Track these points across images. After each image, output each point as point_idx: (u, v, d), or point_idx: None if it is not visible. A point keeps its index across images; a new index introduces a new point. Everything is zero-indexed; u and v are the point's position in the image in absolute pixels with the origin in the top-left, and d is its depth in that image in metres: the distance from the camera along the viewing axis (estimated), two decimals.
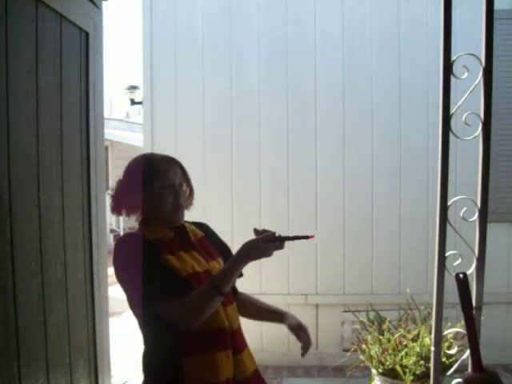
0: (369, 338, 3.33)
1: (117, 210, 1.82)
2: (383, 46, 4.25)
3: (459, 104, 2.01)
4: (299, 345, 1.87)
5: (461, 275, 1.37)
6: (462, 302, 1.35)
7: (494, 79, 2.08)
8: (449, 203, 2.05)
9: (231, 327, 1.69)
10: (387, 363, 3.11)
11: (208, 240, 1.87)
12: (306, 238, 1.67)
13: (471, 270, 2.04)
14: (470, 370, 2.04)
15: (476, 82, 1.99)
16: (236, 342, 1.70)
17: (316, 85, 4.26)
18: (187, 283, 1.62)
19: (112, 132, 11.00)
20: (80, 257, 2.33)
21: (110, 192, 1.83)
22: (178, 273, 1.63)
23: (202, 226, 1.94)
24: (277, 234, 1.64)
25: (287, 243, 1.65)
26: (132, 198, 1.76)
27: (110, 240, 10.65)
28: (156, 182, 1.75)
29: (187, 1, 4.31)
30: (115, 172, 12.11)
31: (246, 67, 4.28)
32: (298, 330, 1.86)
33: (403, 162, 4.26)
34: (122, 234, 11.21)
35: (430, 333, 2.47)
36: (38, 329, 1.95)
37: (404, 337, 3.20)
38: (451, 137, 2.04)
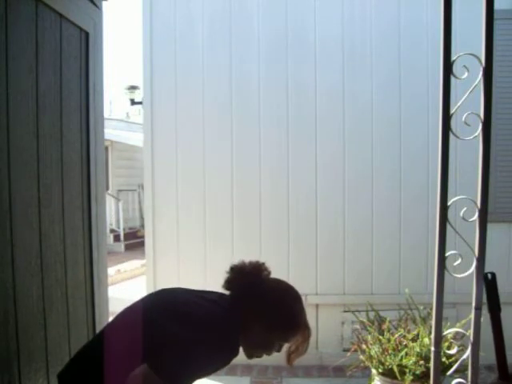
0: (369, 337, 3.33)
1: (239, 292, 1.74)
2: (383, 45, 4.25)
3: (459, 104, 2.01)
4: None
5: (489, 275, 1.35)
6: (488, 303, 1.33)
7: (494, 79, 2.08)
8: (449, 203, 2.05)
9: None
10: (387, 363, 3.11)
11: None
12: None
13: (471, 270, 2.04)
14: (469, 371, 2.04)
15: (476, 82, 1.99)
16: None
17: (316, 85, 4.26)
18: None
19: (112, 132, 11.01)
20: (80, 257, 2.33)
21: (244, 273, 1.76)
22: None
23: None
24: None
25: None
26: (259, 314, 1.69)
27: (110, 240, 10.66)
28: (284, 337, 1.72)
29: (187, 1, 4.31)
30: (115, 172, 12.12)
31: (246, 67, 4.28)
32: None
33: (403, 162, 4.26)
34: (122, 233, 11.18)
35: (430, 333, 2.47)
36: (38, 329, 1.95)
37: (404, 337, 3.19)
38: (451, 137, 2.04)
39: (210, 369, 1.67)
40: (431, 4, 4.13)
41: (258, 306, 1.69)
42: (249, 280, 1.73)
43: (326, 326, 4.27)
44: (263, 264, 1.78)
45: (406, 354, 3.07)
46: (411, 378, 2.98)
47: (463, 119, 2.01)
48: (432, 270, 2.11)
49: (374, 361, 3.19)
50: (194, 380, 1.62)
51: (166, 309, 1.67)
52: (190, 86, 4.28)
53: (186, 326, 1.58)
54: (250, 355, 1.76)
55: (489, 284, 1.34)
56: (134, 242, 11.29)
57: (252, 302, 1.70)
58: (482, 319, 2.04)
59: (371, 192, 4.26)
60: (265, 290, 1.73)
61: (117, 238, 11.14)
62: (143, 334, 1.56)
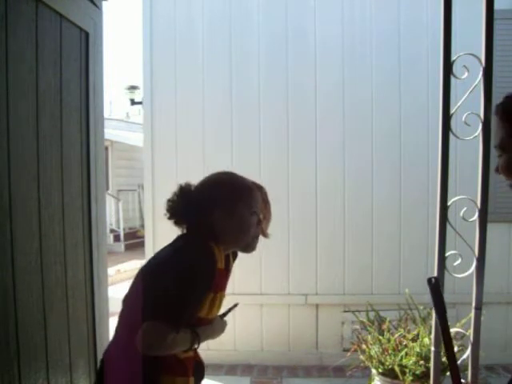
0: (369, 338, 3.33)
1: (181, 216, 1.75)
2: (383, 45, 4.25)
3: (459, 104, 2.01)
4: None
5: (433, 279, 1.37)
6: (435, 306, 1.35)
7: (494, 79, 2.08)
8: (449, 203, 2.05)
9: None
10: (387, 363, 3.11)
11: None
12: (235, 306, 1.87)
13: (471, 270, 2.04)
14: (469, 371, 2.04)
15: (476, 82, 1.99)
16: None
17: (316, 85, 4.25)
18: (191, 322, 1.62)
19: (112, 132, 11.01)
20: (80, 257, 2.33)
21: (173, 198, 1.76)
22: (197, 312, 1.64)
23: (234, 256, 1.89)
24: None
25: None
26: (209, 210, 1.70)
27: (110, 240, 10.66)
28: (247, 204, 1.73)
29: (187, 1, 4.31)
30: (115, 172, 12.12)
31: (246, 67, 4.28)
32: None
33: (403, 162, 4.26)
34: (122, 233, 11.19)
35: (430, 333, 2.47)
36: (38, 329, 1.95)
37: (404, 337, 3.19)
38: (451, 137, 2.04)
39: (200, 284, 1.60)
40: (431, 4, 4.13)
41: (206, 207, 1.71)
42: (182, 203, 1.75)
43: (326, 326, 4.27)
44: (186, 183, 1.80)
45: (406, 353, 3.07)
46: (411, 378, 2.98)
47: (463, 119, 2.01)
48: (432, 270, 2.11)
49: (374, 361, 3.20)
50: (193, 303, 1.60)
51: (141, 270, 1.74)
52: (190, 87, 4.28)
53: (157, 267, 1.66)
54: (245, 246, 1.76)
55: (433, 288, 1.36)
56: (134, 242, 11.29)
57: (197, 205, 1.72)
58: (482, 319, 2.05)
59: (371, 192, 4.26)
60: (200, 191, 1.76)
61: (117, 238, 11.13)
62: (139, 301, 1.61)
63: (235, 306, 1.86)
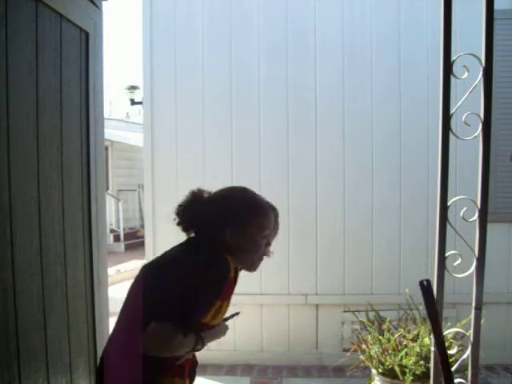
0: (369, 338, 3.33)
1: (192, 223, 1.74)
2: (383, 45, 4.25)
3: (459, 104, 2.01)
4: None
5: (424, 282, 1.36)
6: (427, 309, 1.34)
7: (494, 79, 2.08)
8: (449, 203, 2.05)
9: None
10: (387, 363, 3.11)
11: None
12: (237, 314, 1.88)
13: (471, 270, 2.04)
14: (469, 371, 2.04)
15: (476, 82, 1.99)
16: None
17: (316, 85, 4.26)
18: (195, 327, 1.63)
19: (112, 132, 11.00)
20: (80, 257, 2.33)
21: (185, 203, 1.74)
22: (203, 318, 1.64)
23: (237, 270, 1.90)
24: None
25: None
26: (221, 225, 1.68)
27: (110, 240, 10.66)
28: (260, 226, 1.72)
29: (187, 1, 4.31)
30: (115, 172, 12.11)
31: (246, 67, 4.28)
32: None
33: (403, 162, 4.26)
34: (122, 233, 11.18)
35: (430, 333, 2.47)
36: (38, 329, 1.95)
37: (404, 337, 3.20)
38: (451, 137, 2.04)
39: (211, 291, 1.61)
40: (431, 4, 4.13)
41: (218, 220, 1.69)
42: (194, 210, 1.73)
43: (326, 325, 4.27)
44: (198, 189, 1.77)
45: (406, 354, 3.07)
46: (411, 378, 2.98)
47: (463, 119, 2.01)
48: (432, 270, 2.11)
49: (374, 361, 3.20)
50: (203, 309, 1.61)
51: (149, 269, 1.73)
52: (190, 86, 4.28)
53: (169, 268, 1.64)
54: (249, 266, 1.75)
55: (425, 291, 1.35)
56: (134, 242, 11.28)
57: (209, 222, 1.70)
58: (482, 320, 2.05)
59: (371, 192, 4.26)
60: (213, 205, 1.72)
61: (117, 238, 11.13)
62: (143, 301, 1.60)
63: (237, 314, 1.87)
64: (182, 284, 1.57)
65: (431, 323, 1.36)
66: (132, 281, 1.75)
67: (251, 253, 1.72)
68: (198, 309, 1.59)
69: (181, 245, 1.76)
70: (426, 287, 1.35)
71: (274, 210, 1.77)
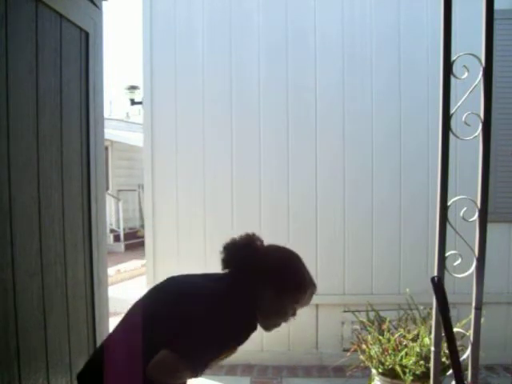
0: (369, 338, 3.33)
1: (236, 264, 1.74)
2: (383, 45, 4.25)
3: (459, 104, 2.01)
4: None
5: (435, 278, 1.37)
6: (438, 305, 1.34)
7: (494, 79, 2.08)
8: (449, 203, 2.05)
9: None
10: (387, 363, 3.11)
11: None
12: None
13: (471, 270, 2.04)
14: (469, 371, 2.04)
15: (476, 82, 1.99)
16: None
17: (316, 85, 4.26)
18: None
19: (112, 132, 11.01)
20: (80, 257, 2.33)
21: (239, 241, 1.76)
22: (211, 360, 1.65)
23: None
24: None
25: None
26: (262, 282, 1.69)
27: (110, 240, 10.66)
28: (295, 299, 1.73)
29: (187, 1, 4.31)
30: (115, 172, 12.12)
31: (246, 67, 4.28)
32: None
33: (403, 162, 4.26)
34: (122, 233, 11.17)
35: (430, 333, 2.47)
36: (38, 329, 1.95)
37: (404, 337, 3.19)
38: (451, 137, 2.04)
39: (230, 343, 1.63)
40: (431, 4, 4.13)
41: (262, 275, 1.69)
42: (244, 252, 1.73)
43: (326, 325, 4.27)
44: (253, 234, 1.78)
45: (406, 354, 3.07)
46: (411, 378, 2.98)
47: (463, 119, 2.01)
48: (432, 270, 2.11)
49: (374, 361, 3.19)
50: (216, 358, 1.62)
51: (173, 296, 1.69)
52: (190, 86, 4.28)
53: (197, 303, 1.61)
54: (267, 327, 1.76)
55: (436, 287, 1.35)
56: (133, 242, 11.29)
57: (254, 271, 1.70)
58: (482, 320, 2.05)
59: (371, 192, 4.26)
60: (263, 258, 1.73)
61: (117, 238, 11.13)
62: (152, 325, 1.58)
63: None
64: (211, 327, 1.56)
65: (442, 319, 1.36)
66: (150, 286, 1.74)
67: (276, 317, 1.74)
68: (215, 358, 1.60)
69: (214, 279, 1.75)
70: (436, 283, 1.36)
71: (314, 286, 1.79)
